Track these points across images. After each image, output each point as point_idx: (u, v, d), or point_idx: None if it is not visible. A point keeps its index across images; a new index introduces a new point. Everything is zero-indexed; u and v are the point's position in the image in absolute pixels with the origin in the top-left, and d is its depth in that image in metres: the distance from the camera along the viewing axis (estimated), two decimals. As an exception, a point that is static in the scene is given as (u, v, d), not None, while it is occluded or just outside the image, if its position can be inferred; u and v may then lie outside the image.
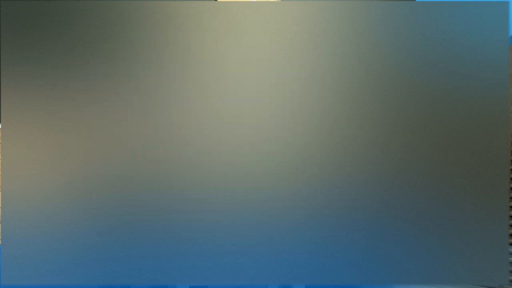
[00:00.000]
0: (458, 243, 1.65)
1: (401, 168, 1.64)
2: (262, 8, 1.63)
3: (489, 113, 1.64)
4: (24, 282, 1.64)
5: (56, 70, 1.63)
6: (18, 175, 1.63)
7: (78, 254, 1.64)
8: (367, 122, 1.64)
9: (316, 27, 1.63)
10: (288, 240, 1.64)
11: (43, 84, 1.63)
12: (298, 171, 1.64)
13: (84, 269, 1.64)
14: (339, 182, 1.64)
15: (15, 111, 1.63)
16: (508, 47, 1.64)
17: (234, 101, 1.63)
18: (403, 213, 1.65)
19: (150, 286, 1.98)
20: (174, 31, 1.63)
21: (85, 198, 1.63)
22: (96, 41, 1.63)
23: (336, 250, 1.65)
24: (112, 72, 1.63)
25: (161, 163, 1.63)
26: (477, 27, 1.63)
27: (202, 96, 1.63)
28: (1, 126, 1.83)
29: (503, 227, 1.65)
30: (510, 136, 1.66)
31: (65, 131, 1.63)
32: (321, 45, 1.63)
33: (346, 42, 1.64)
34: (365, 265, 1.65)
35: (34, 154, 1.63)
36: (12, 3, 1.63)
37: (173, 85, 1.63)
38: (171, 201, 1.63)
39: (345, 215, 1.64)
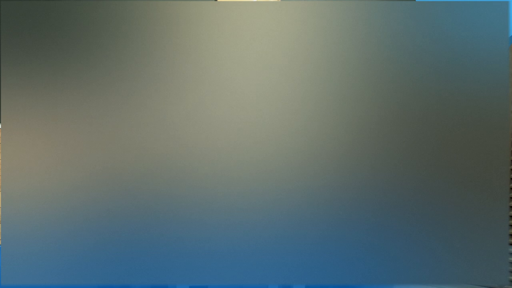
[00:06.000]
0: (458, 243, 1.65)
1: (401, 168, 1.64)
2: (262, 8, 1.63)
3: (489, 113, 1.64)
4: (24, 282, 1.64)
5: (56, 70, 1.63)
6: (18, 175, 1.63)
7: (78, 254, 1.64)
8: (367, 122, 1.64)
9: (316, 27, 1.63)
10: (288, 240, 1.64)
11: (43, 84, 1.63)
12: (298, 171, 1.64)
13: (84, 269, 1.64)
14: (339, 182, 1.64)
15: (15, 111, 1.63)
16: (508, 47, 1.64)
17: (234, 101, 1.63)
18: (403, 213, 1.65)
19: (150, 286, 1.98)
20: (174, 31, 1.63)
21: (85, 198, 1.63)
22: (96, 41, 1.63)
23: (336, 250, 1.64)
24: (112, 72, 1.63)
25: (161, 164, 1.63)
26: (477, 27, 1.63)
27: (201, 96, 1.63)
28: (1, 126, 1.83)
29: (503, 227, 1.65)
30: (510, 136, 1.66)
31: (65, 131, 1.63)
32: (321, 45, 1.63)
33: (346, 42, 1.63)
34: (365, 265, 1.65)
35: (34, 154, 1.63)
36: (12, 3, 1.63)
37: (172, 85, 1.63)
38: (171, 201, 1.63)
39: (345, 215, 1.64)
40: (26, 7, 1.63)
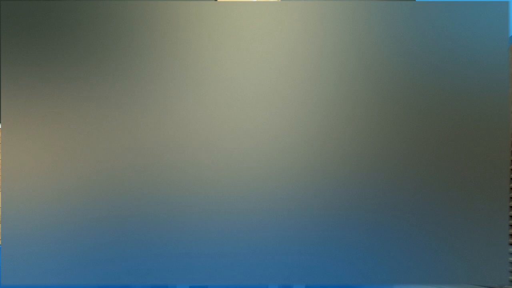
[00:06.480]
0: (458, 243, 1.65)
1: (401, 168, 1.64)
2: (262, 8, 1.63)
3: (489, 113, 1.64)
4: (24, 282, 1.64)
5: (56, 70, 1.63)
6: (18, 175, 1.63)
7: (78, 254, 1.64)
8: (367, 122, 1.64)
9: (316, 27, 1.63)
10: (288, 240, 1.64)
11: (43, 84, 1.63)
12: (298, 171, 1.64)
13: (84, 269, 1.64)
14: (339, 182, 1.64)
15: (15, 111, 1.63)
16: (508, 47, 1.64)
17: (234, 101, 1.63)
18: (403, 213, 1.65)
19: (150, 286, 1.98)
20: (174, 31, 1.63)
21: (85, 198, 1.63)
22: (96, 41, 1.63)
23: (336, 250, 1.64)
24: (112, 72, 1.63)
25: (161, 164, 1.63)
26: (477, 27, 1.63)
27: (201, 96, 1.63)
28: (1, 126, 1.83)
29: (503, 227, 1.65)
30: (510, 136, 1.66)
31: (65, 131, 1.63)
32: (321, 45, 1.63)
33: (346, 42, 1.64)
34: (365, 265, 1.65)
35: (34, 154, 1.63)
36: (12, 3, 1.63)
37: (172, 85, 1.63)
38: (171, 201, 1.63)
39: (345, 215, 1.64)
40: (26, 7, 1.63)
